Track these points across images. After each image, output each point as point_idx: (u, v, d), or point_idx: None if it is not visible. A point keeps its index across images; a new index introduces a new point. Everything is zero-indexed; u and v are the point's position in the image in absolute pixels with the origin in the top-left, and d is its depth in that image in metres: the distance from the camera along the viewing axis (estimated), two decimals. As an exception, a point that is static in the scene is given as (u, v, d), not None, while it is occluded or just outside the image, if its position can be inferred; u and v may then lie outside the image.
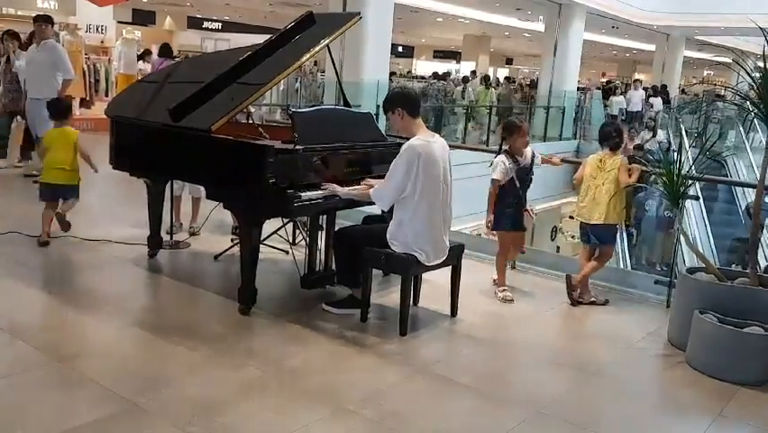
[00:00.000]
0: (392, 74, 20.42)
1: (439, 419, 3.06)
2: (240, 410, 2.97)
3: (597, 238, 4.74)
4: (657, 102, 18.93)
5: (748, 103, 4.17)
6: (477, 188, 10.17)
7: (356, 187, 4.09)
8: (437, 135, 4.08)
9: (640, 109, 18.85)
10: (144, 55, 13.54)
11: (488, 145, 15.12)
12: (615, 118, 16.96)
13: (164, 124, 4.20)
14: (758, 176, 4.16)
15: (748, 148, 14.53)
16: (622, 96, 19.19)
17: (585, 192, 4.76)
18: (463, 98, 17.72)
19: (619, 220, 4.81)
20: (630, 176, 4.65)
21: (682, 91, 24.63)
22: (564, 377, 3.66)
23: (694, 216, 12.36)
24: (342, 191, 4.03)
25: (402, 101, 3.96)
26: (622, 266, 11.71)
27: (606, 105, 19.00)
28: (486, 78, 19.33)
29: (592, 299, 4.72)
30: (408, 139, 3.91)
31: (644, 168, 4.84)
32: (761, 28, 4.08)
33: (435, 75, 19.98)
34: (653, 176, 4.85)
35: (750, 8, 5.85)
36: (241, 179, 3.97)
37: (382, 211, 4.59)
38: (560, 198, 14.25)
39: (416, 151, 3.81)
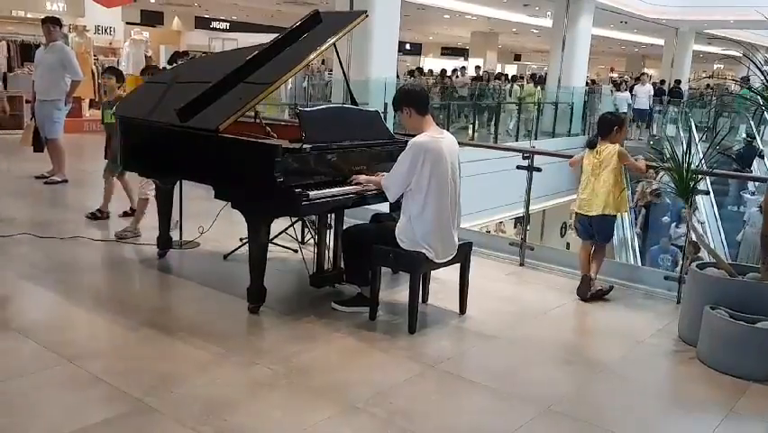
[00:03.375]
0: (430, 72, 20.39)
1: (448, 416, 3.06)
2: (250, 409, 2.98)
3: (596, 231, 4.74)
4: (623, 97, 18.15)
5: (758, 97, 4.14)
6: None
7: (371, 177, 4.16)
8: (446, 132, 4.08)
9: (647, 107, 18.19)
10: (183, 56, 13.55)
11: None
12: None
13: (172, 124, 4.22)
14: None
15: (759, 142, 14.43)
16: (627, 93, 18.53)
17: (585, 184, 4.77)
18: (510, 96, 18.25)
19: (618, 210, 4.77)
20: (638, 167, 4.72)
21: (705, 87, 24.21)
22: (574, 374, 3.65)
23: (705, 211, 12.29)
24: (363, 179, 4.12)
25: (410, 99, 3.97)
26: (632, 262, 11.68)
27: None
28: (534, 77, 19.76)
29: (598, 288, 4.72)
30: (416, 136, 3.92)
31: (650, 163, 4.84)
32: (770, 21, 4.05)
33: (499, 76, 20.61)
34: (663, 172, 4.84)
35: (759, 1, 5.80)
36: (249, 179, 3.98)
37: (391, 209, 4.59)
38: (568, 194, 14.19)
39: (423, 147, 3.81)
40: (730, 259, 11.12)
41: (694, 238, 5.63)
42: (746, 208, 11.45)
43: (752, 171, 13.28)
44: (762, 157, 13.74)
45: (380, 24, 10.36)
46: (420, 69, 18.55)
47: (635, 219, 12.77)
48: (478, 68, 22.02)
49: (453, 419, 3.04)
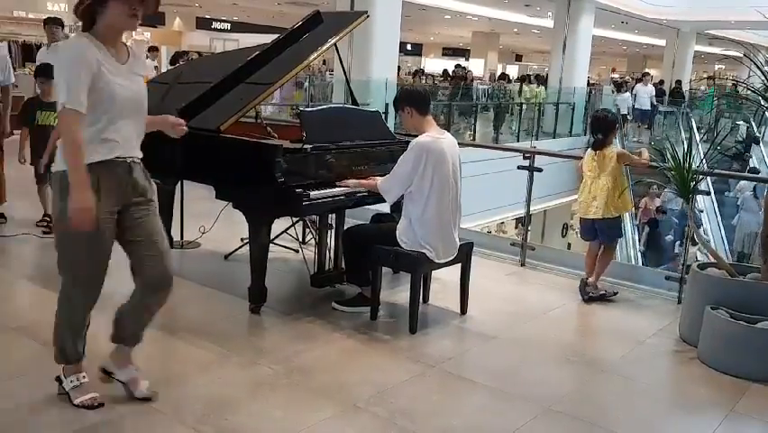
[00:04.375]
0: (450, 77, 20.06)
1: (449, 416, 3.06)
2: (251, 409, 2.98)
3: (601, 233, 4.72)
4: (624, 99, 17.65)
5: (760, 98, 4.14)
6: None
7: (363, 181, 4.13)
8: (447, 132, 4.08)
9: (648, 108, 17.78)
10: (183, 55, 13.59)
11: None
12: (624, 118, 16.64)
13: (173, 124, 4.22)
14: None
15: (755, 129, 14.51)
16: (628, 94, 18.09)
17: (583, 187, 4.75)
18: (520, 96, 18.58)
19: (620, 211, 4.76)
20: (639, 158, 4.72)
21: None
22: (575, 374, 3.65)
23: (705, 210, 12.31)
24: (352, 183, 4.09)
25: (411, 99, 3.98)
26: (633, 262, 11.68)
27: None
28: (538, 77, 20.11)
29: (602, 292, 4.71)
30: (417, 136, 3.92)
31: (652, 164, 4.82)
32: (771, 21, 4.05)
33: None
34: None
35: (759, 1, 5.81)
36: (250, 179, 3.99)
37: (391, 209, 4.60)
38: (570, 194, 14.20)
39: (425, 147, 3.82)
40: (728, 244, 11.31)
41: (697, 247, 5.63)
42: (740, 194, 11.86)
43: (751, 156, 13.66)
44: (757, 143, 14.01)
45: (381, 25, 10.36)
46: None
47: (639, 237, 12.69)
48: (458, 66, 21.61)
49: (454, 418, 3.04)
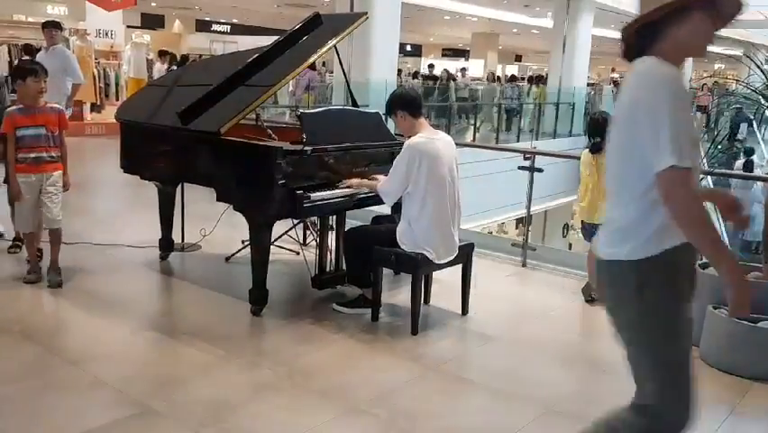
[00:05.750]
0: (424, 77, 20.01)
1: (451, 417, 3.06)
2: (252, 411, 2.98)
3: None
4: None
5: (760, 97, 4.15)
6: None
7: (365, 180, 4.15)
8: (442, 132, 4.08)
9: None
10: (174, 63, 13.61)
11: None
12: None
13: (174, 127, 4.23)
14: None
15: (761, 140, 14.49)
16: None
17: (584, 192, 4.72)
18: (528, 96, 18.92)
19: None
20: None
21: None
22: (576, 374, 3.65)
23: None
24: (355, 182, 4.10)
25: (402, 103, 3.95)
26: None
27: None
28: (539, 78, 20.62)
29: None
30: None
31: None
32: (770, 20, 4.05)
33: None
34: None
35: (759, 0, 5.81)
36: (250, 181, 3.99)
37: (392, 210, 4.60)
38: (571, 194, 14.17)
39: (417, 148, 3.81)
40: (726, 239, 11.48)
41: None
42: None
43: (745, 137, 14.01)
44: (750, 125, 14.18)
45: (381, 26, 10.37)
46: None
47: None
48: (431, 66, 21.48)
49: (456, 419, 3.04)
